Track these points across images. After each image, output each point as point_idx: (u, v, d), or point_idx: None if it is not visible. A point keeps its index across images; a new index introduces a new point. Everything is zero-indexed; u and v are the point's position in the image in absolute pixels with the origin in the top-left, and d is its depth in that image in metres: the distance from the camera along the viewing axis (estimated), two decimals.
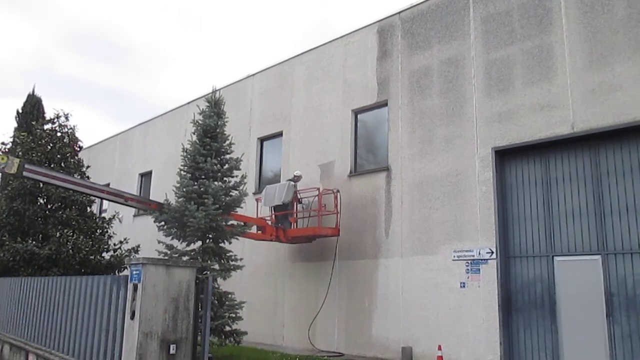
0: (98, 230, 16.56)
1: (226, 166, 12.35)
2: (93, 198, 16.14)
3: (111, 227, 17.21)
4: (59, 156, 16.42)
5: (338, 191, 13.65)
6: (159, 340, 6.66)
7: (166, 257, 11.32)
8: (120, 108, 75.57)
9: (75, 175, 15.77)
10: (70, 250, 14.83)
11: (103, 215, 19.61)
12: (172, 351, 6.72)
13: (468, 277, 10.99)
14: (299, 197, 13.98)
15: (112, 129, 72.38)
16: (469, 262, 11.03)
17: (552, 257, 10.33)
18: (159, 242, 11.95)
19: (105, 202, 21.76)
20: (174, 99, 71.78)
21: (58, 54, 73.35)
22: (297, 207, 13.97)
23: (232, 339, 11.52)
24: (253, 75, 17.65)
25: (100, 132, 70.39)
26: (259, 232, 13.60)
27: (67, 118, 17.38)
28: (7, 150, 17.17)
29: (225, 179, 12.24)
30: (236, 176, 12.47)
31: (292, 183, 13.73)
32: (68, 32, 72.04)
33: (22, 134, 16.98)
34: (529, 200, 10.85)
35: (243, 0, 73.80)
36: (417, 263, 11.94)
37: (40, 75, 69.97)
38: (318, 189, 13.75)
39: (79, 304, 8.50)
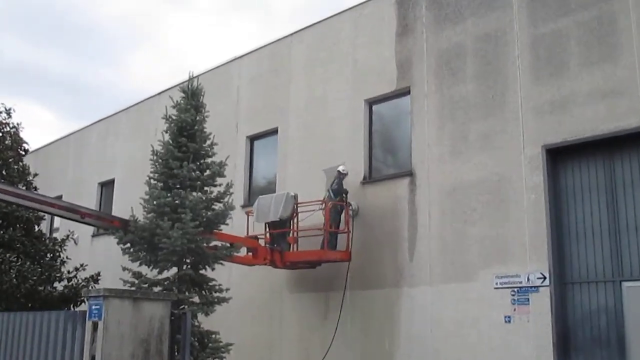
0: (48, 255, 16.67)
1: (207, 172, 12.44)
2: (42, 214, 16.23)
3: (64, 250, 17.32)
4: None
5: (350, 204, 13.66)
6: None
7: (133, 288, 11.39)
8: (78, 102, 75.77)
9: (20, 186, 15.89)
10: (14, 280, 14.87)
11: (54, 235, 19.75)
12: None
13: (514, 309, 11.00)
14: (345, 199, 13.47)
15: (66, 127, 72.78)
16: (515, 290, 11.03)
17: (620, 282, 10.33)
18: (124, 269, 12.03)
19: (56, 219, 21.87)
20: (145, 89, 72.13)
21: (1, 37, 74.04)
22: (345, 214, 13.50)
23: None
24: (240, 57, 17.73)
25: (53, 132, 70.73)
26: (249, 254, 13.65)
27: (9, 114, 17.60)
28: None
29: (206, 188, 12.33)
30: (220, 185, 12.56)
31: (292, 194, 13.71)
32: (14, 9, 72.72)
33: None
34: (590, 211, 10.87)
35: None
36: (449, 292, 11.95)
37: None
38: (323, 200, 13.66)
39: (25, 347, 8.55)
